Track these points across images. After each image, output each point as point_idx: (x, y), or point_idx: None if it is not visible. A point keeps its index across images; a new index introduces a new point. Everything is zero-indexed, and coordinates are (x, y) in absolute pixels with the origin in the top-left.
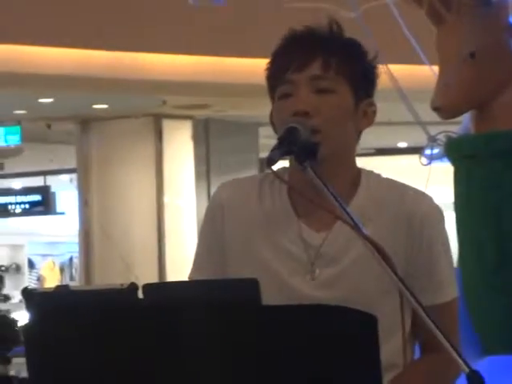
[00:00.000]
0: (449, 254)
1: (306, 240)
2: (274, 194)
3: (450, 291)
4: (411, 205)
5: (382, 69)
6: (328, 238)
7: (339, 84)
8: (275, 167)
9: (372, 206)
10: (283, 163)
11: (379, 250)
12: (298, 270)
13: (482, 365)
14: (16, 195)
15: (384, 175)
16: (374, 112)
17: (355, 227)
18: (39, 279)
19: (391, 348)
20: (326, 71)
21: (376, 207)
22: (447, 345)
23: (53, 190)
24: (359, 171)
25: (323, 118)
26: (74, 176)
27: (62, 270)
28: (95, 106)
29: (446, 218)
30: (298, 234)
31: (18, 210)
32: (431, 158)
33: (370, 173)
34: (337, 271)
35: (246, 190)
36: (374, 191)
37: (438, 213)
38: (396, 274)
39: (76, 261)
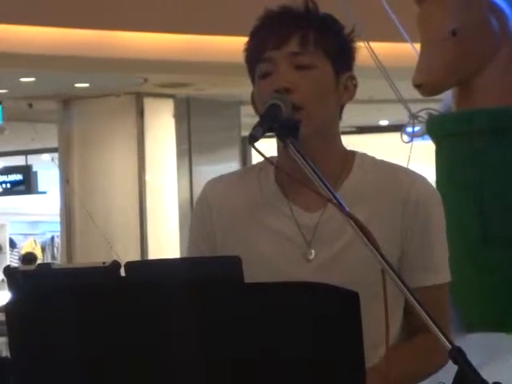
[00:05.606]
0: (444, 238)
1: (298, 221)
2: (262, 182)
3: (442, 275)
4: (407, 188)
5: (363, 46)
6: (323, 217)
7: (318, 59)
8: (257, 144)
9: (367, 188)
10: (265, 141)
11: (364, 230)
12: (294, 253)
13: (464, 342)
14: None
15: (371, 155)
16: (355, 85)
17: (340, 207)
18: (21, 258)
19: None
20: (304, 47)
21: (371, 189)
22: (430, 322)
23: (34, 169)
24: (352, 153)
25: (304, 94)
26: (55, 155)
27: (43, 249)
28: (77, 85)
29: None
30: (290, 216)
31: (0, 189)
32: (413, 136)
33: (364, 155)
34: (334, 251)
35: (232, 185)
36: (368, 173)
37: (435, 196)
38: (381, 255)
39: (58, 240)
